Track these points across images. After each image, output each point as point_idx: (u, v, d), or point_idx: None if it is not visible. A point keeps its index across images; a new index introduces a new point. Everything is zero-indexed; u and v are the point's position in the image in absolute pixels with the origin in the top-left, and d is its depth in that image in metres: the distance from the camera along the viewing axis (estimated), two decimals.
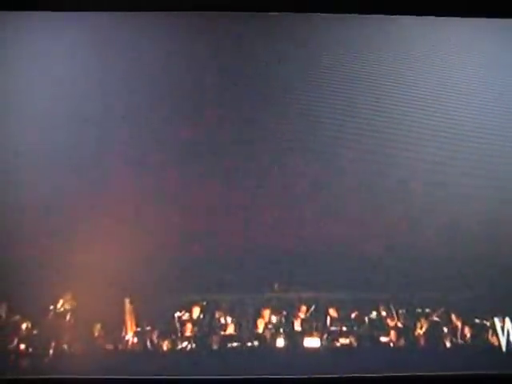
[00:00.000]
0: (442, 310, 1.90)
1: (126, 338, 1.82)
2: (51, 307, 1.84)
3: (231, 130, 2.03)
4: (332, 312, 1.88)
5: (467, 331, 1.88)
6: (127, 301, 1.84)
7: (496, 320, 1.90)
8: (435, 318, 1.90)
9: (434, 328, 1.88)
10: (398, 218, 1.97)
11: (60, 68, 2.08)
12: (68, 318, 1.83)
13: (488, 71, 2.17)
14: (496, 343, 1.88)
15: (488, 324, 1.89)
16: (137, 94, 2.05)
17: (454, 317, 1.90)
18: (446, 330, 1.88)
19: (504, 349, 1.88)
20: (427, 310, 1.90)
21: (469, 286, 1.91)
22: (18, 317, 1.83)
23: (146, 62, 2.10)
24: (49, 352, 1.80)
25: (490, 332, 1.89)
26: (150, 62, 2.10)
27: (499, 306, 1.91)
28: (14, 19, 2.13)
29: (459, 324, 1.89)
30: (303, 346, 1.85)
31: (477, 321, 1.89)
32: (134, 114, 2.03)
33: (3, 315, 1.83)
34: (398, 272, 1.92)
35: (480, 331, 1.89)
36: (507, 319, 1.89)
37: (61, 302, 1.84)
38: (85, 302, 1.84)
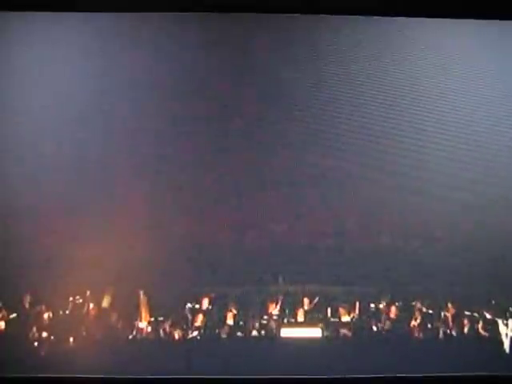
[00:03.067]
0: (442, 304, 1.96)
1: (141, 326, 1.93)
2: (71, 299, 1.94)
3: (234, 130, 2.09)
4: (333, 304, 1.96)
5: (470, 332, 1.93)
6: (141, 292, 1.94)
7: (500, 322, 1.93)
8: (429, 311, 1.96)
9: (435, 327, 1.94)
10: (396, 216, 2.03)
11: (62, 68, 2.13)
12: (86, 308, 1.94)
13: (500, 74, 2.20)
14: (500, 345, 1.92)
15: (492, 326, 1.94)
16: (139, 93, 2.10)
17: (455, 316, 1.95)
18: (448, 330, 1.94)
19: (508, 350, 1.91)
20: (430, 311, 1.96)
21: (472, 285, 1.96)
22: (40, 307, 1.94)
23: (149, 63, 2.14)
24: (68, 341, 1.91)
25: (495, 333, 1.93)
26: (153, 63, 2.14)
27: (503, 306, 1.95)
28: (16, 20, 2.17)
29: (462, 324, 1.94)
30: (305, 335, 1.93)
31: (481, 323, 1.94)
32: (136, 114, 2.08)
33: (27, 305, 1.94)
34: (399, 267, 1.98)
35: (484, 333, 1.93)
36: (511, 321, 1.92)
37: (80, 294, 1.95)
38: (102, 294, 1.95)
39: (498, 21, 2.23)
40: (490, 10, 2.17)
